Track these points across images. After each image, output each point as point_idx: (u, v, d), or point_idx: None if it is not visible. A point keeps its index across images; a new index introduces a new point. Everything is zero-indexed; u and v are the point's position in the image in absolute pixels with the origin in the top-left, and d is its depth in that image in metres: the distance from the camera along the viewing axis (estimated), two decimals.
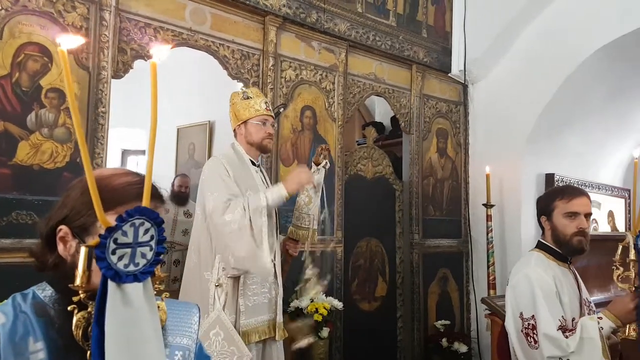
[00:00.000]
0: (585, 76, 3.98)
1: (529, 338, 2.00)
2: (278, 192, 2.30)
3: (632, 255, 1.84)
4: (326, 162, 2.58)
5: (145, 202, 0.82)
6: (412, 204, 4.11)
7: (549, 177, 4.33)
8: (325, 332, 3.08)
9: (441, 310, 4.24)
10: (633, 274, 1.85)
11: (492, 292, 4.03)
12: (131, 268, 0.80)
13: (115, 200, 0.92)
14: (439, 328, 4.11)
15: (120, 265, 0.79)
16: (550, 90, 4.03)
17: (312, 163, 2.61)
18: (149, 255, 0.82)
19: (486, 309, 3.58)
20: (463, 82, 4.49)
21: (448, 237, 4.37)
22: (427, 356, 4.04)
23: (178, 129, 5.42)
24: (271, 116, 2.52)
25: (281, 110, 3.18)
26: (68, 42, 0.82)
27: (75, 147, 2.45)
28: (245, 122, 2.48)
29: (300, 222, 2.52)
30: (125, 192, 0.95)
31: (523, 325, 2.02)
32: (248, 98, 2.51)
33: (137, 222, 0.80)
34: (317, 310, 3.04)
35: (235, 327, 2.30)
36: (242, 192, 2.36)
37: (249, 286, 2.35)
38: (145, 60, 2.76)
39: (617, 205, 5.13)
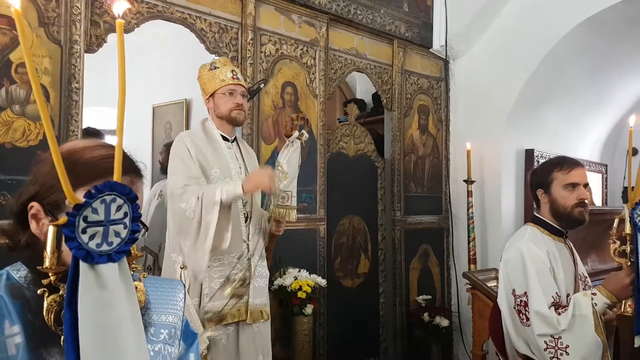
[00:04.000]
0: (565, 51, 3.99)
1: (521, 315, 1.96)
2: (234, 190, 2.14)
3: (627, 229, 1.81)
4: (302, 134, 2.41)
5: (117, 176, 0.77)
6: (394, 181, 4.10)
7: (529, 153, 4.37)
8: (309, 309, 3.08)
9: (422, 286, 4.28)
10: (629, 249, 1.81)
11: (472, 266, 4.08)
12: (104, 247, 0.75)
13: (87, 175, 0.87)
14: (421, 303, 4.15)
15: (92, 244, 0.74)
16: (530, 66, 4.04)
17: (284, 136, 2.47)
18: (124, 233, 0.77)
19: (467, 284, 3.63)
20: (444, 57, 4.46)
21: (429, 213, 4.39)
22: (409, 331, 4.09)
23: (153, 108, 5.28)
24: (240, 85, 2.38)
25: (261, 86, 3.07)
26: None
27: None
28: (212, 94, 2.37)
29: (277, 200, 2.41)
30: (99, 166, 0.90)
31: (515, 302, 1.99)
32: (215, 68, 2.37)
33: (108, 198, 0.75)
34: (300, 288, 3.04)
35: (200, 310, 2.23)
36: (207, 171, 2.27)
37: (215, 268, 2.27)
38: None
39: (595, 180, 5.21)
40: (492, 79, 4.25)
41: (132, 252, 0.87)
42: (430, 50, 4.39)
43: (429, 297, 4.21)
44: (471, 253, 4.14)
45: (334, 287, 3.60)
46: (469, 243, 4.17)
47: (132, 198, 0.78)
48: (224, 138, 2.40)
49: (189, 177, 2.22)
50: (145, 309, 0.99)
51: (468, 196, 4.19)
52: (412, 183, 4.25)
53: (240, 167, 2.41)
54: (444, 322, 3.98)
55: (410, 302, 4.17)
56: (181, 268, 2.26)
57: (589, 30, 3.84)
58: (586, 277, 2.20)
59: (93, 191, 0.74)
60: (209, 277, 2.27)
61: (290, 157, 2.41)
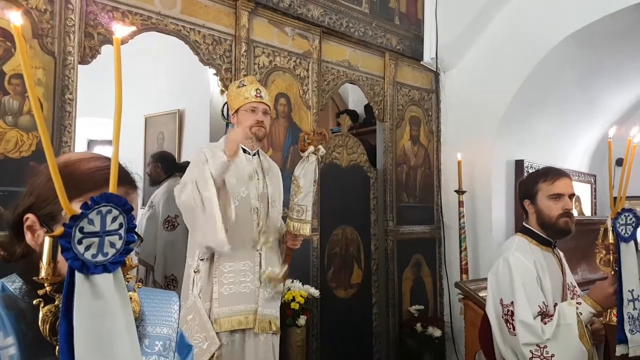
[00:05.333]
0: (554, 63, 4.05)
1: (508, 324, 1.97)
2: (219, 160, 2.20)
3: (610, 238, 1.83)
4: (318, 149, 2.46)
5: (112, 188, 0.78)
6: (387, 192, 4.13)
7: (519, 164, 4.42)
8: (302, 320, 3.07)
9: (415, 296, 4.29)
10: (612, 258, 1.84)
11: (464, 276, 4.10)
12: (100, 258, 0.76)
13: (83, 187, 0.89)
14: (413, 313, 4.16)
15: (88, 255, 0.75)
16: (520, 78, 4.10)
17: (299, 151, 2.51)
18: (119, 244, 0.78)
19: (459, 294, 3.64)
20: (435, 70, 4.51)
21: (421, 223, 4.42)
22: (402, 341, 4.09)
23: (146, 118, 5.28)
24: (263, 103, 2.47)
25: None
26: (18, 17, 0.78)
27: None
28: (237, 110, 2.47)
29: (292, 213, 2.47)
30: (94, 178, 0.91)
31: (503, 312, 2.00)
32: (242, 86, 2.49)
33: (104, 209, 0.76)
34: (294, 299, 3.04)
35: (209, 314, 2.30)
36: (225, 181, 2.31)
37: (225, 274, 2.33)
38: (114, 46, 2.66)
39: (584, 191, 5.27)
40: (482, 91, 4.30)
41: (127, 262, 0.87)
42: (421, 62, 4.44)
43: (422, 307, 4.23)
44: (463, 263, 4.16)
45: (327, 297, 3.60)
46: (460, 253, 4.19)
47: (127, 209, 0.79)
48: (246, 151, 2.48)
49: (194, 176, 2.28)
50: (139, 320, 1.00)
51: (459, 206, 4.22)
52: (404, 193, 4.28)
53: (258, 179, 2.48)
54: (437, 332, 3.99)
55: (403, 312, 4.17)
56: (195, 272, 2.35)
57: (576, 43, 3.92)
58: (575, 287, 2.21)
59: (89, 202, 0.75)
60: (219, 283, 2.32)
61: (306, 171, 2.45)
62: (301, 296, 3.06)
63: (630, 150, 1.83)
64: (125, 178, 0.97)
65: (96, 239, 0.75)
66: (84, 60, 2.55)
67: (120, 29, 0.82)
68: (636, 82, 4.84)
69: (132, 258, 0.99)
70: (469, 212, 4.33)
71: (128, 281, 0.90)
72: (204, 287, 2.32)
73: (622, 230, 1.81)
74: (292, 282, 3.15)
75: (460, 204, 4.22)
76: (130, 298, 0.89)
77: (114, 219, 0.77)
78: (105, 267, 0.76)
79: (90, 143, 6.23)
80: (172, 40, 2.97)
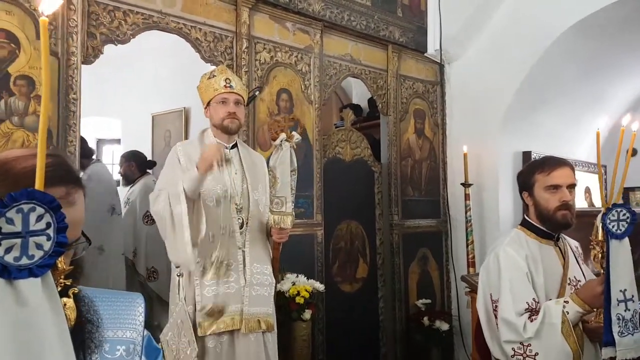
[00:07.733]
0: (559, 53, 4.01)
1: (496, 320, 1.91)
2: (190, 174, 2.14)
3: (600, 234, 1.72)
4: (292, 135, 2.34)
5: (38, 185, 0.71)
6: (391, 185, 4.12)
7: (526, 155, 4.38)
8: (307, 314, 3.09)
9: (422, 290, 4.29)
10: (600, 255, 1.73)
11: (471, 270, 4.08)
12: (24, 261, 0.67)
13: (17, 187, 0.79)
14: (420, 307, 4.16)
15: (9, 258, 0.66)
16: (525, 69, 4.06)
17: (271, 140, 2.43)
18: (47, 245, 0.69)
19: (466, 287, 3.64)
20: (439, 61, 4.49)
21: (427, 217, 4.41)
22: (409, 335, 4.09)
23: (153, 117, 5.34)
24: (233, 93, 2.36)
25: (257, 93, 3.07)
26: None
27: (47, 135, 2.39)
28: (209, 104, 2.38)
29: (272, 206, 2.36)
30: (31, 178, 0.81)
31: (492, 307, 1.94)
32: (212, 77, 2.39)
33: (26, 207, 0.67)
34: (299, 293, 3.06)
35: (194, 317, 2.23)
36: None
37: (206, 274, 2.27)
38: (116, 45, 2.70)
39: (594, 182, 5.21)
40: (487, 82, 4.26)
41: (59, 265, 0.82)
42: (425, 54, 4.42)
43: (429, 301, 4.22)
44: (470, 256, 4.14)
45: (333, 292, 3.61)
46: (467, 246, 4.17)
47: (54, 207, 0.70)
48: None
49: (169, 183, 2.25)
50: (95, 326, 0.95)
51: (466, 199, 4.20)
52: (409, 187, 4.27)
53: (236, 173, 2.39)
54: (444, 326, 3.98)
55: (410, 306, 4.17)
56: (178, 275, 2.28)
57: (580, 32, 3.86)
58: (579, 281, 2.05)
59: (6, 199, 0.67)
60: (201, 285, 2.26)
61: (280, 160, 2.33)
62: (306, 290, 3.07)
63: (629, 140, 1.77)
64: (66, 176, 0.91)
65: (18, 240, 0.67)
66: (87, 60, 2.58)
67: (46, 6, 0.74)
68: None
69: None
70: (476, 205, 4.31)
71: (61, 286, 0.85)
72: (187, 289, 2.25)
73: (613, 226, 1.67)
74: (297, 276, 3.17)
75: (467, 197, 4.20)
76: (65, 304, 0.84)
77: (40, 218, 0.69)
78: (32, 271, 0.68)
79: (99, 142, 6.31)
80: (176, 39, 2.99)
